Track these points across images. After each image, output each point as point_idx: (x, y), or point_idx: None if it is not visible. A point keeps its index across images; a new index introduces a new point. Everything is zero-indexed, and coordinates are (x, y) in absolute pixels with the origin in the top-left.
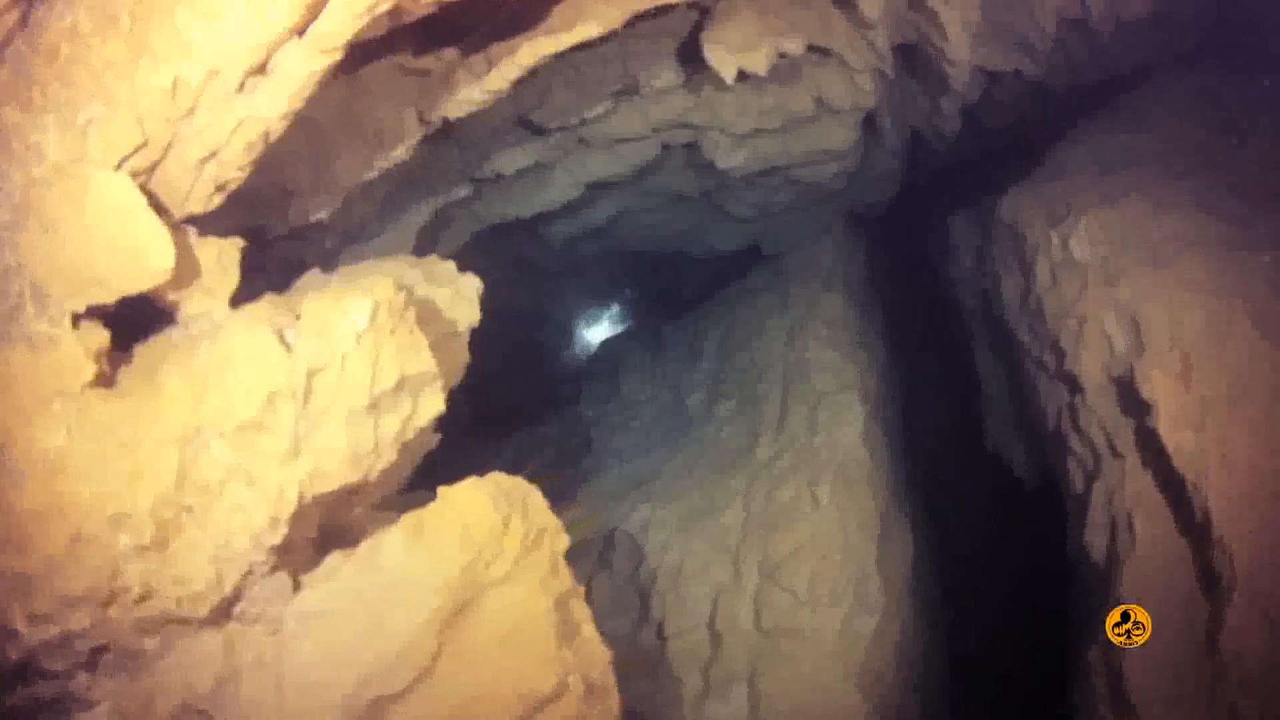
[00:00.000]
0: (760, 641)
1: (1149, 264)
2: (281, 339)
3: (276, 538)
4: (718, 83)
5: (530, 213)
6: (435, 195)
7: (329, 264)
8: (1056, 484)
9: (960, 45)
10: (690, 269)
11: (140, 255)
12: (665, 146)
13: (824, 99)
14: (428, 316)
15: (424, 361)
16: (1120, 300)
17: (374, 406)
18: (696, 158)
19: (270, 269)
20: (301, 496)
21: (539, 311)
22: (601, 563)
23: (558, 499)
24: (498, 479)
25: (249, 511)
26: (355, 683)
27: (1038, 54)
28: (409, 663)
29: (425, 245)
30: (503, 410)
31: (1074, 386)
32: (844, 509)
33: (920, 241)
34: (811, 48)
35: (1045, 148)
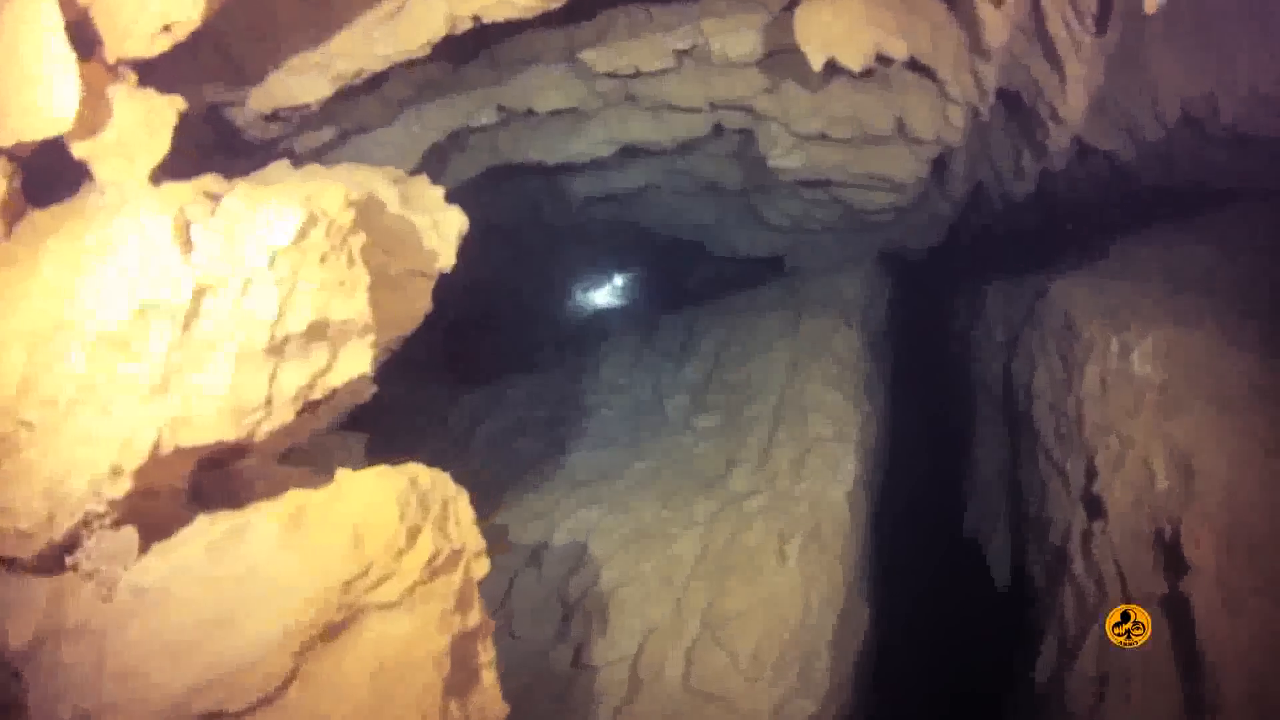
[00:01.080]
0: (683, 701)
1: (1214, 405)
2: (184, 237)
3: (117, 491)
4: (799, 70)
5: (554, 160)
6: (455, 113)
7: (321, 162)
8: (1038, 597)
9: (1076, 107)
10: (701, 263)
11: (41, 93)
12: (717, 127)
13: (906, 123)
14: (391, 246)
15: (356, 306)
16: (1175, 436)
17: (275, 350)
18: (747, 149)
19: (242, 154)
20: (158, 446)
21: (538, 267)
22: (532, 560)
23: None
24: (416, 474)
25: (95, 447)
26: (186, 688)
27: (1143, 142)
28: (255, 681)
29: (433, 168)
30: (477, 356)
31: (1096, 510)
32: (810, 575)
33: (946, 298)
34: (914, 63)
35: (1110, 239)
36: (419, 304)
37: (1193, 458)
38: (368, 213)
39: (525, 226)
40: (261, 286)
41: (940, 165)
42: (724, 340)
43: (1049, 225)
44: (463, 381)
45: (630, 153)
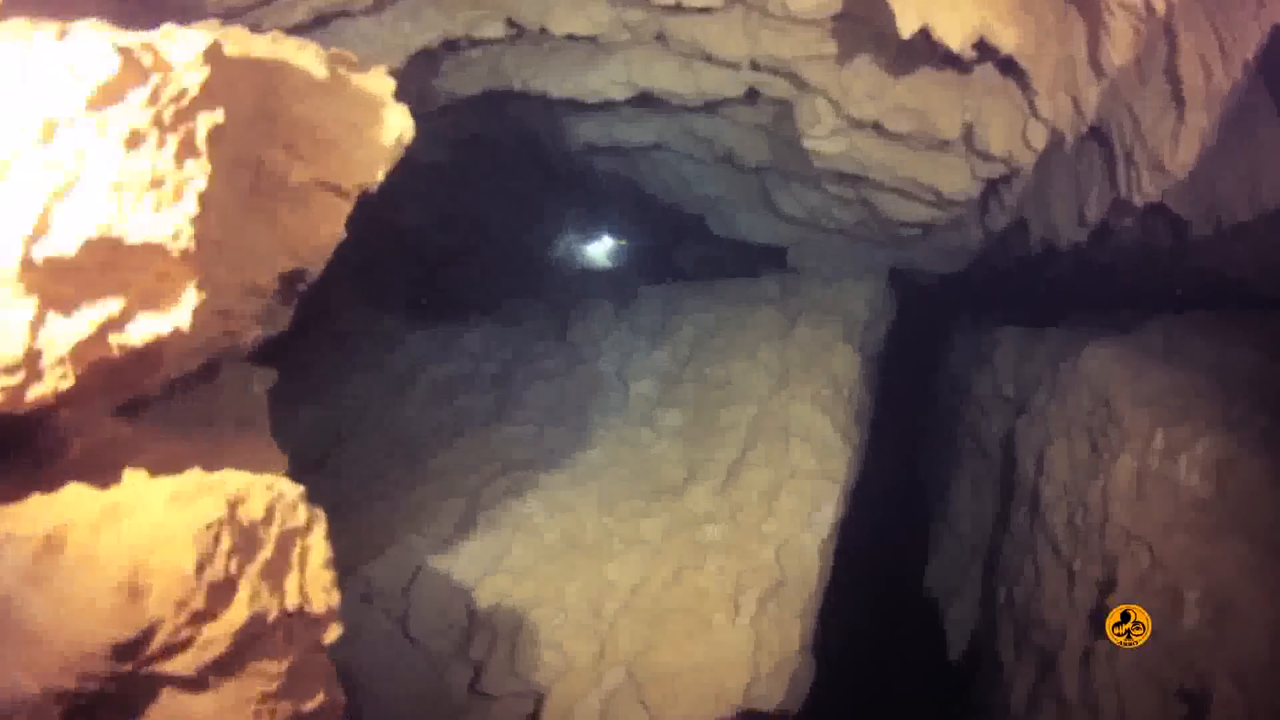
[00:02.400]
0: None
1: (1266, 538)
2: None
3: None
4: (868, 41)
5: (561, 94)
6: (458, 18)
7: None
8: (1004, 690)
9: (1185, 162)
10: (697, 239)
11: None
12: (752, 92)
13: (977, 132)
14: (299, 143)
15: (174, 222)
16: (1215, 567)
17: (36, 280)
18: (780, 124)
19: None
20: None
21: (526, 209)
22: (446, 547)
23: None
24: (242, 495)
25: None
26: None
27: (1222, 221)
28: None
29: (421, 77)
30: (444, 291)
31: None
32: (764, 639)
33: (945, 331)
34: (1009, 63)
35: (1140, 312)
36: (326, 229)
37: (1233, 598)
38: (270, 89)
39: (522, 165)
40: (23, 174)
41: (990, 190)
42: (707, 329)
43: (1080, 280)
44: (418, 316)
45: (646, 102)
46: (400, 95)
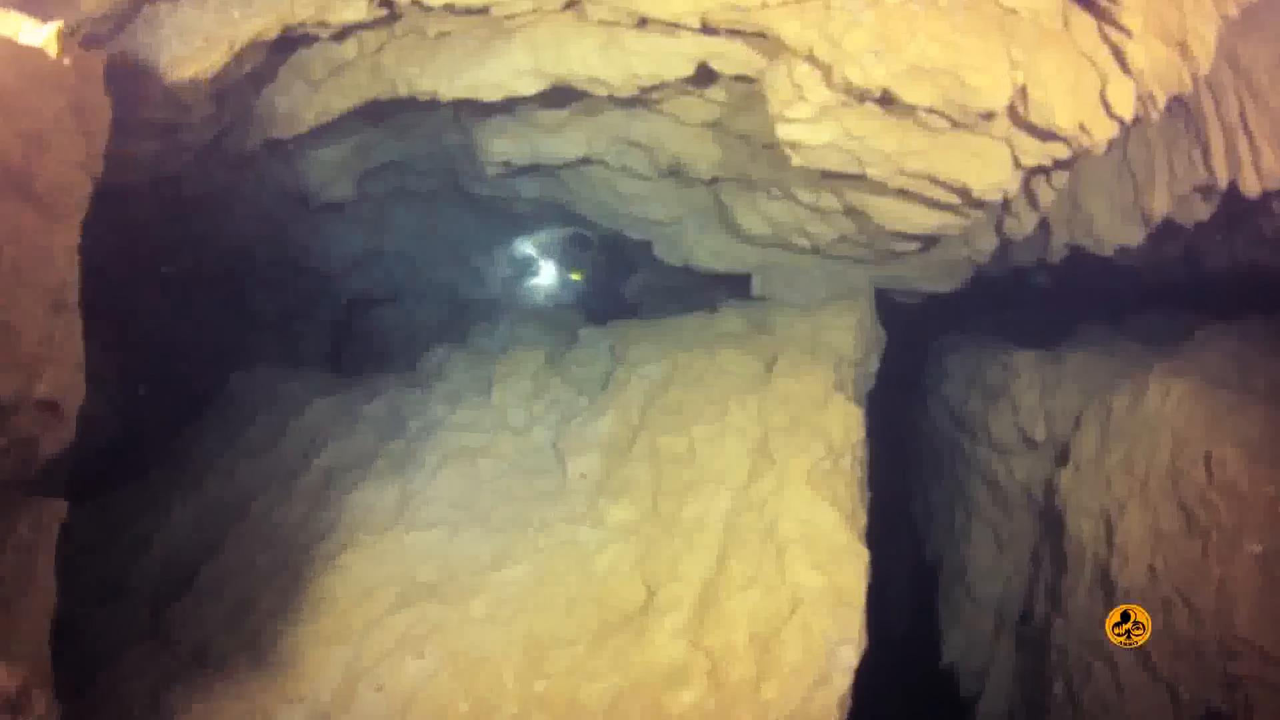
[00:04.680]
0: None
1: None
2: None
3: None
4: None
5: (454, 93)
6: None
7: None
8: None
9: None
10: (643, 268)
11: None
12: (703, 70)
13: (1033, 97)
14: None
15: None
16: None
17: None
18: (740, 115)
19: None
20: None
21: (448, 245)
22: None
23: None
24: None
25: None
26: None
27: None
28: None
29: (265, 76)
30: (360, 340)
31: None
32: None
33: (928, 355)
34: None
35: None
36: None
37: None
38: None
39: (439, 194)
40: None
41: (1025, 183)
42: (661, 381)
43: (1092, 291)
44: (337, 370)
45: (566, 99)
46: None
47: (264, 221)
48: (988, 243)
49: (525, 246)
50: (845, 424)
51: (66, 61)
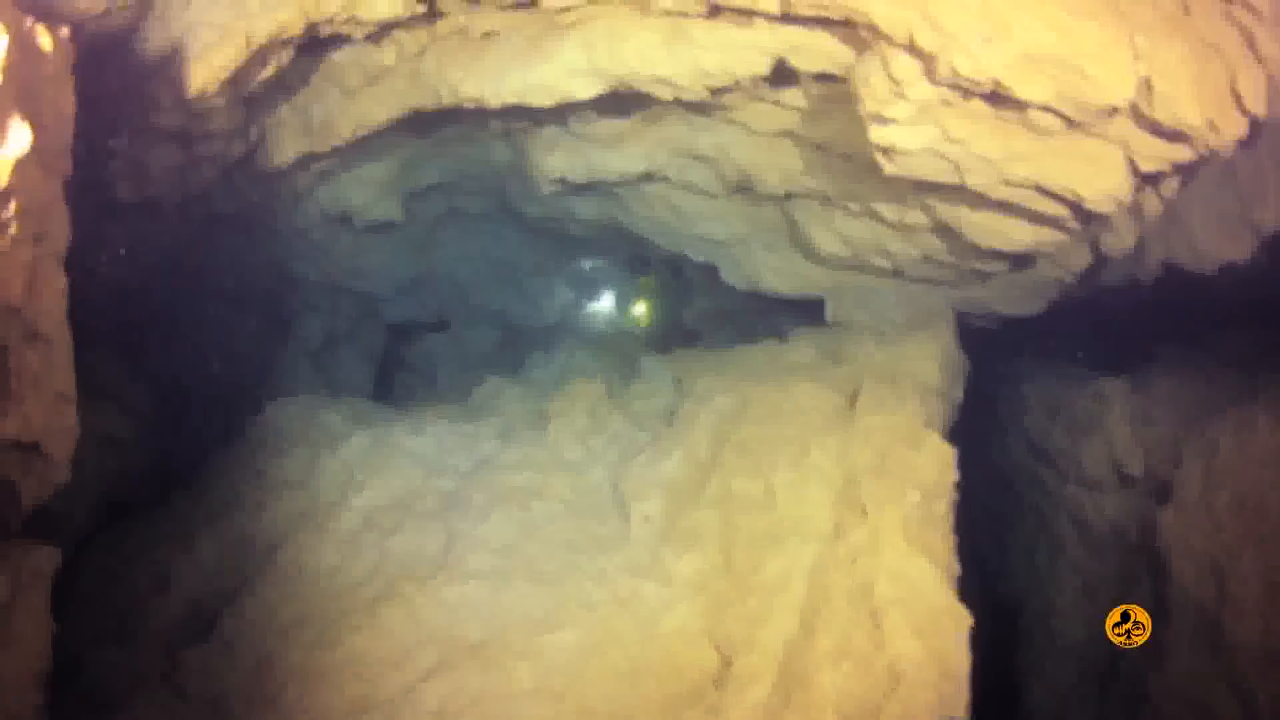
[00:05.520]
0: None
1: None
2: None
3: None
4: None
5: (503, 99)
6: None
7: None
8: None
9: None
10: (706, 291)
11: None
12: (781, 67)
13: (1157, 90)
14: None
15: None
16: None
17: None
18: (822, 119)
19: None
20: None
21: (500, 270)
22: None
23: None
24: None
25: None
26: None
27: None
28: None
29: (287, 78)
30: (409, 370)
31: None
32: None
33: (1003, 380)
34: None
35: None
36: None
37: None
38: None
39: (491, 217)
40: None
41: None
42: (731, 415)
43: (1186, 308)
44: (382, 398)
45: (624, 106)
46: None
47: (306, 242)
48: (1081, 261)
49: (581, 270)
50: (939, 464)
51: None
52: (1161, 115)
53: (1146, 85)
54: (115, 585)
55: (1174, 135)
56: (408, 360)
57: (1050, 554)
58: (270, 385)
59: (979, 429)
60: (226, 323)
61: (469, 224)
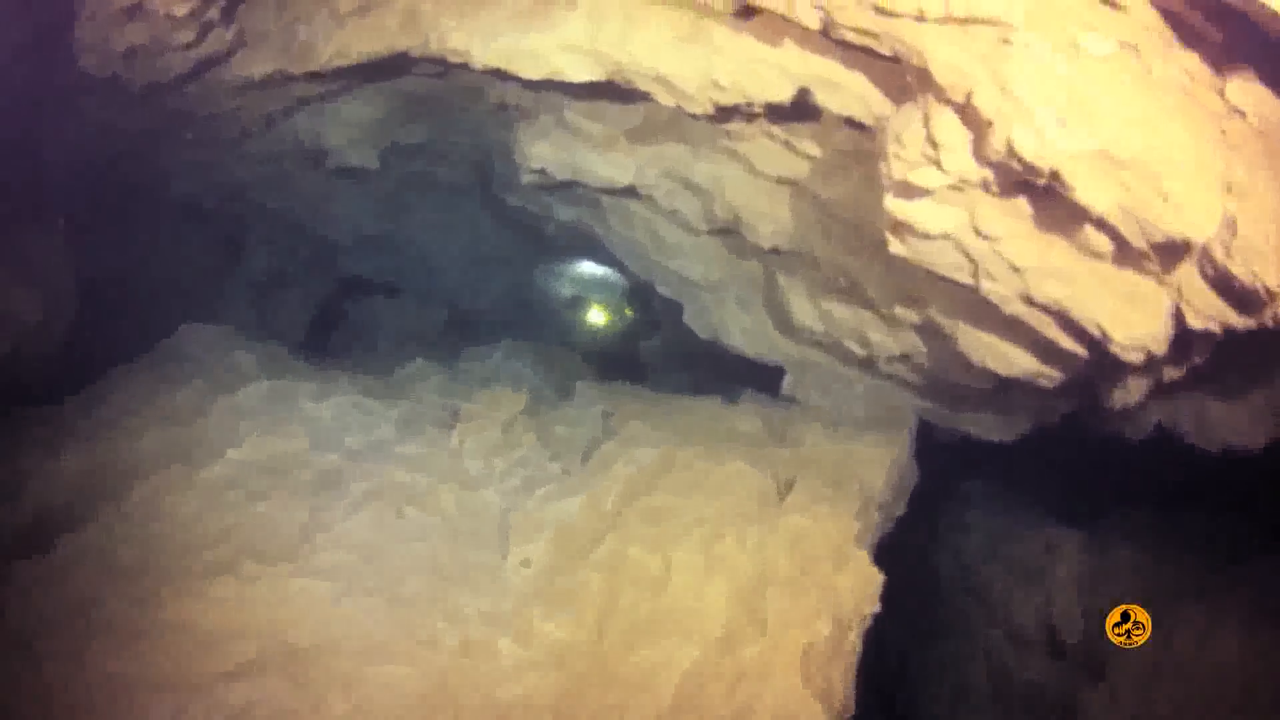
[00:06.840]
0: None
1: None
2: None
3: None
4: None
5: (488, 60)
6: None
7: None
8: None
9: None
10: (665, 328)
11: None
12: (803, 100)
13: (1240, 233)
14: None
15: None
16: None
17: None
18: (837, 177)
19: None
20: None
21: (467, 247)
22: None
23: None
24: None
25: None
26: None
27: None
28: None
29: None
30: (351, 326)
31: None
32: None
33: (945, 495)
34: None
35: None
36: None
37: None
38: None
39: (468, 190)
40: None
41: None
42: (652, 472)
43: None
44: (314, 348)
45: (623, 103)
46: None
47: (274, 169)
48: (1067, 404)
49: (547, 274)
50: (862, 592)
51: None
52: (1237, 268)
53: (1230, 225)
54: None
55: (1242, 295)
56: (351, 318)
57: (956, 698)
58: (206, 308)
59: (915, 527)
60: (177, 233)
61: (445, 196)
